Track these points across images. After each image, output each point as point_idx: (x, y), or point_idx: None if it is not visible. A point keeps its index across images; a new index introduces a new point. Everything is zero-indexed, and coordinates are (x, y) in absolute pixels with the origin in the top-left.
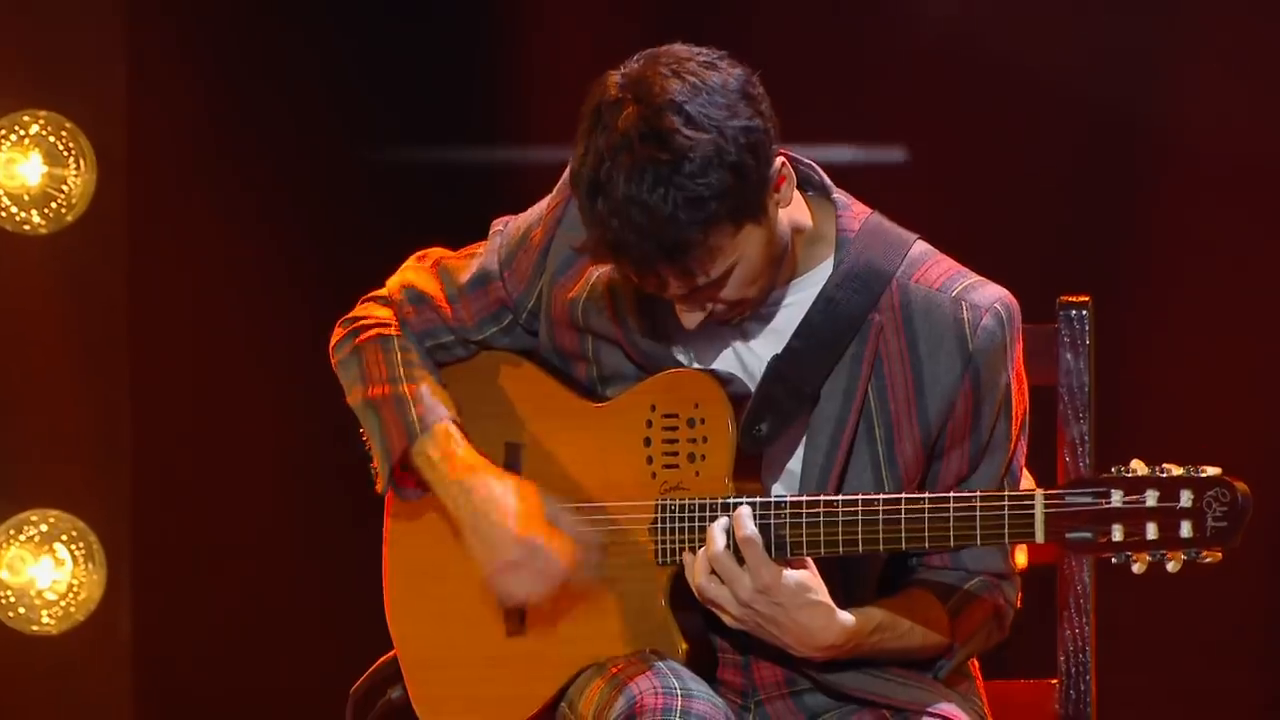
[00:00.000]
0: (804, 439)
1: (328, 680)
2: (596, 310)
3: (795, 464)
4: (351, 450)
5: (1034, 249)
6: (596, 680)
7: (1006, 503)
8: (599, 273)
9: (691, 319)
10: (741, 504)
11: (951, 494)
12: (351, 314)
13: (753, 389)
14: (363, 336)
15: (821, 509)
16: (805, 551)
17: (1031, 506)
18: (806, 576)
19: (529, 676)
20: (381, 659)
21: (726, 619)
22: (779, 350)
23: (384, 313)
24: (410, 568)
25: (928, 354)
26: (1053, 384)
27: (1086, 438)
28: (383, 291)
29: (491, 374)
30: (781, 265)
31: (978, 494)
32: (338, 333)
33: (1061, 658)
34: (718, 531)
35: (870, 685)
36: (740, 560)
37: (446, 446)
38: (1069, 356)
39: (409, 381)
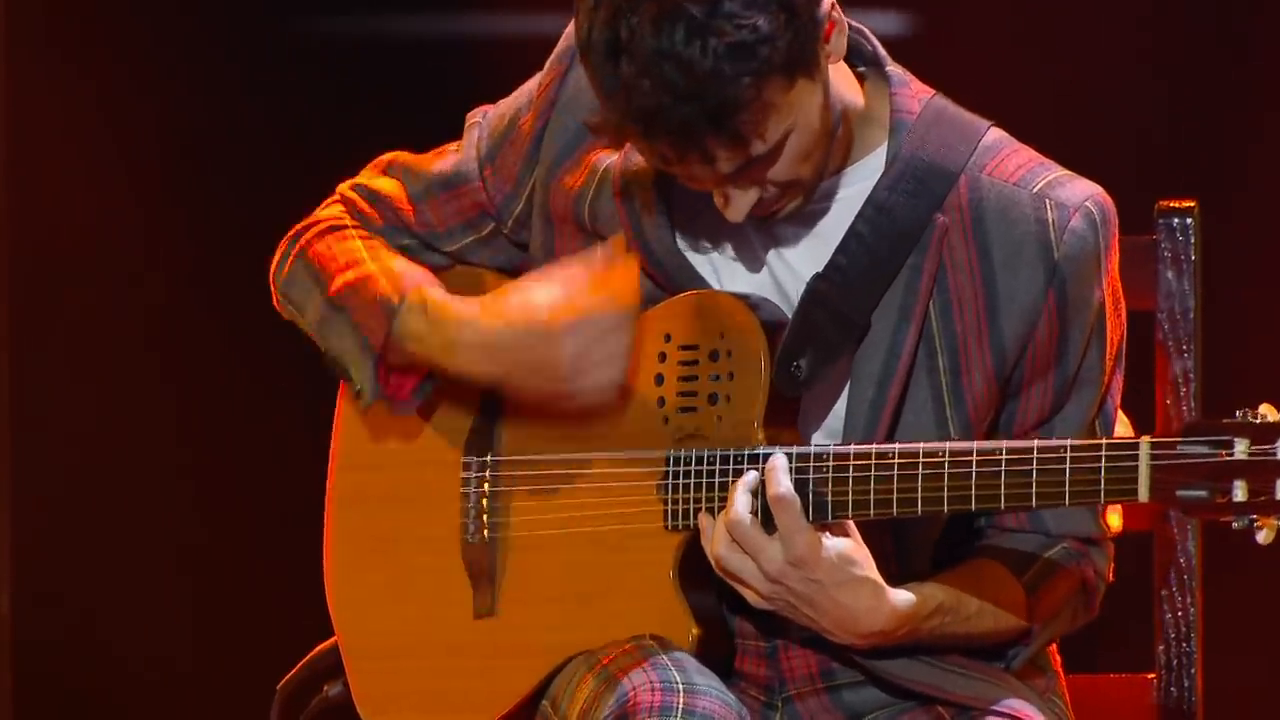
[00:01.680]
0: (851, 379)
1: (250, 672)
2: (606, 211)
3: (842, 408)
4: (265, 414)
5: (1127, 144)
6: (585, 674)
7: (1104, 454)
8: (608, 160)
9: (740, 205)
10: (776, 454)
11: (1035, 443)
12: (292, 230)
13: (789, 316)
14: (309, 235)
15: (873, 460)
16: (851, 514)
17: (1135, 458)
18: (850, 546)
19: (501, 669)
20: (318, 648)
21: (750, 597)
22: (821, 266)
23: (334, 210)
24: (358, 534)
25: (1003, 263)
26: (1150, 309)
27: (1192, 375)
28: (329, 199)
29: (469, 295)
30: (834, 142)
31: (1068, 444)
32: (278, 253)
33: (1160, 647)
34: (742, 491)
35: (924, 675)
36: (769, 525)
37: (441, 309)
38: (1170, 275)
39: (375, 260)
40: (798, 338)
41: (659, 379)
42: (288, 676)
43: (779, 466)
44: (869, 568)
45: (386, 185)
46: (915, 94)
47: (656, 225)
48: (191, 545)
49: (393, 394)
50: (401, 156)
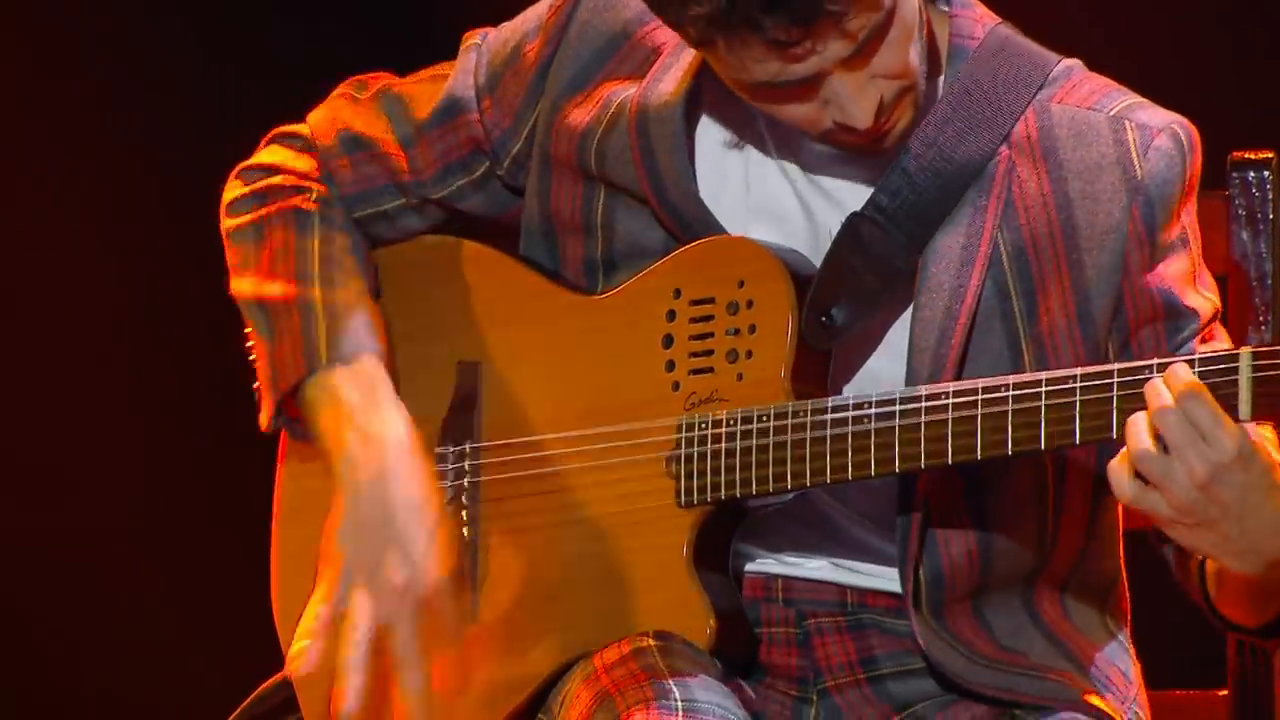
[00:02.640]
0: (893, 329)
1: (193, 712)
2: (617, 148)
3: (881, 362)
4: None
5: (1194, 89)
6: (580, 687)
7: (1197, 370)
8: (624, 94)
9: (864, 105)
10: (1175, 363)
11: (1115, 366)
12: (258, 159)
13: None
14: (273, 206)
15: (950, 399)
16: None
17: (1235, 371)
18: (1265, 448)
19: (487, 681)
20: (266, 684)
21: (1165, 514)
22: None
23: (305, 164)
24: (309, 547)
25: (1081, 192)
26: (1221, 273)
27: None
28: (303, 128)
29: (436, 267)
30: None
31: (1154, 363)
32: (236, 187)
33: (1234, 661)
34: (1137, 427)
35: (990, 679)
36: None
37: (357, 390)
38: (1244, 236)
39: (324, 284)
40: (830, 284)
41: (667, 340)
42: (234, 715)
43: (1178, 369)
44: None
45: (372, 125)
46: (979, 19)
47: (676, 168)
48: (135, 563)
49: (295, 418)
50: (391, 84)
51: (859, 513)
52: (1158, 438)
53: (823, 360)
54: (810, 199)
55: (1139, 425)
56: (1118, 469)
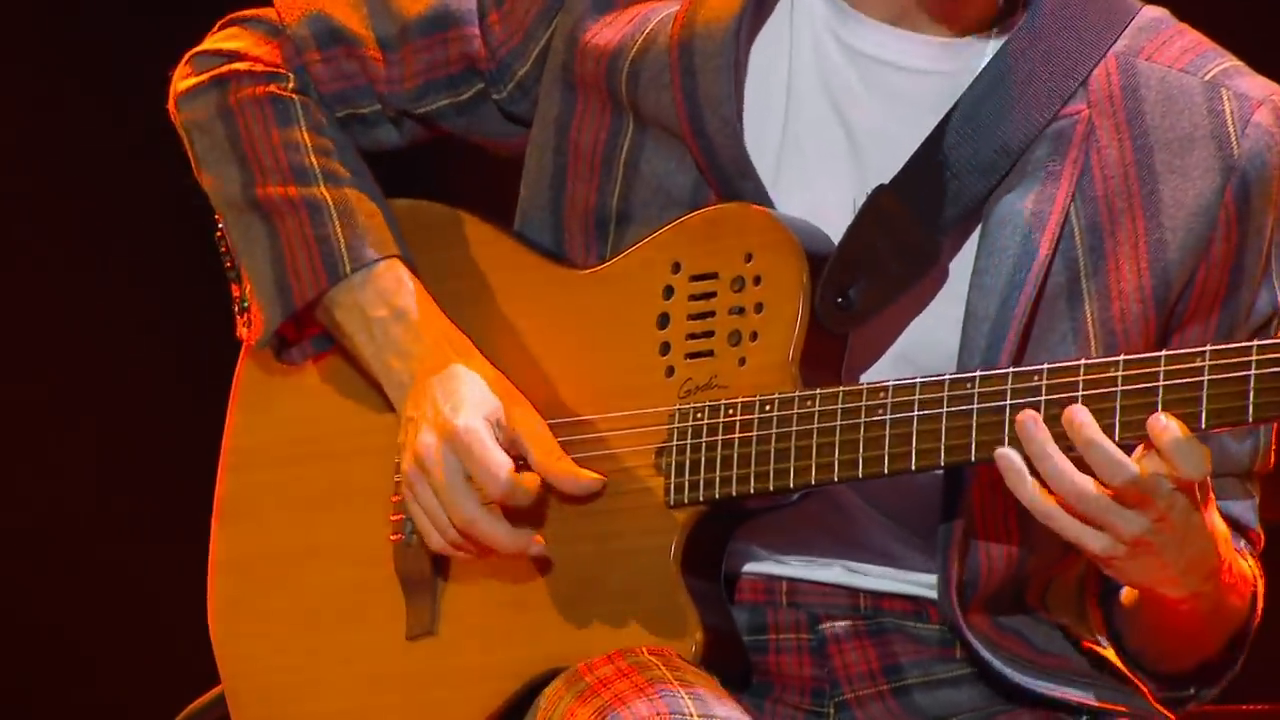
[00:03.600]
0: (919, 322)
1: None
2: (654, 70)
3: (908, 346)
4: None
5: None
6: (574, 703)
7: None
8: (665, 10)
9: None
10: (1074, 410)
11: (1208, 348)
12: (213, 44)
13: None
14: (241, 92)
15: (1009, 385)
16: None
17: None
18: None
19: (442, 702)
20: (196, 702)
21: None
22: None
23: (270, 52)
24: (250, 551)
25: (1168, 166)
26: None
27: None
28: (268, 11)
29: (409, 236)
30: None
31: (1254, 344)
32: (188, 75)
33: None
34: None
35: (1043, 681)
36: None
37: (397, 299)
38: None
39: (329, 181)
40: (848, 261)
41: (663, 320)
42: None
43: (1079, 418)
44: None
45: (349, 16)
46: None
47: (719, 93)
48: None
49: (283, 334)
50: None
51: (886, 513)
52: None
53: (837, 346)
54: (860, 154)
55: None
56: (1043, 502)
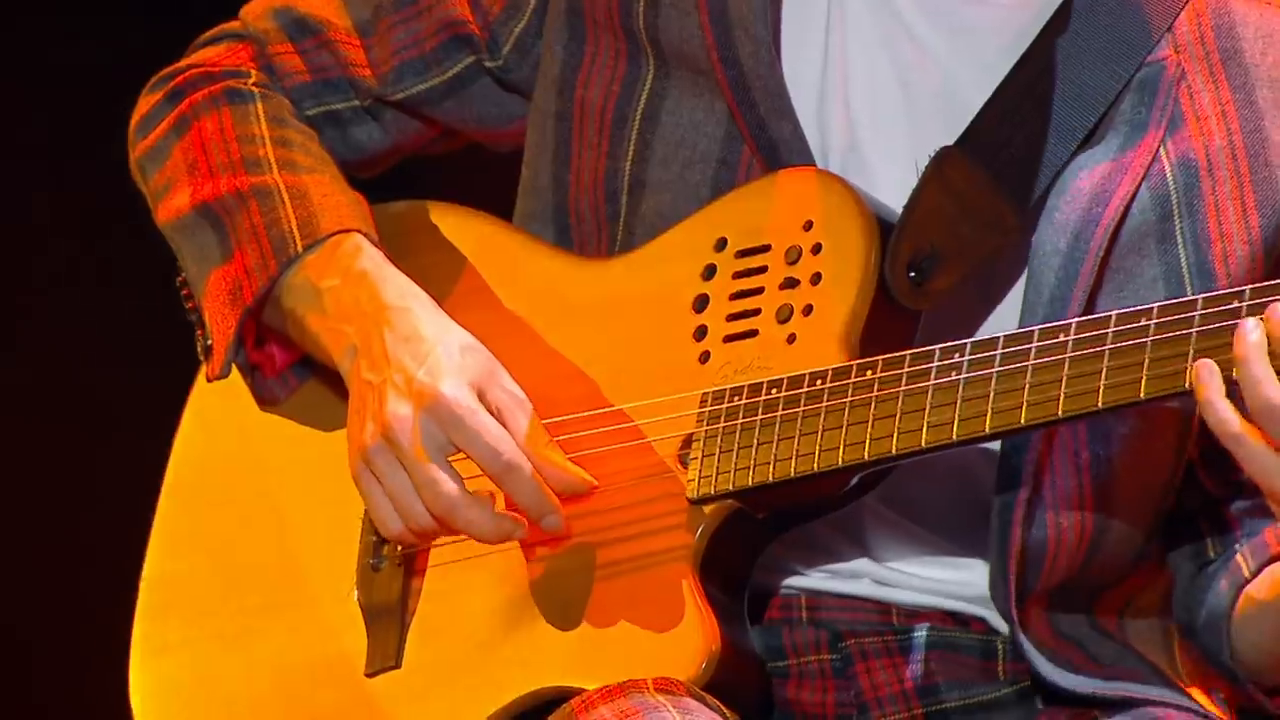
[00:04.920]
0: (1005, 296)
1: None
2: (677, 3)
3: (987, 324)
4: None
5: None
6: None
7: None
8: None
9: None
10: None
11: None
12: (175, 65)
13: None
14: (197, 95)
15: (1071, 335)
16: None
17: None
18: None
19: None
20: None
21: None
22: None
23: (230, 54)
24: (180, 586)
25: (1273, 102)
26: None
27: None
28: (233, 23)
29: (416, 237)
30: None
31: None
32: (146, 103)
33: None
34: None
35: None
36: None
37: (353, 264)
38: None
39: (285, 167)
40: (917, 228)
41: (700, 303)
42: None
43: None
44: None
45: (321, 6)
46: None
47: (755, 37)
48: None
49: (259, 363)
50: None
51: (921, 520)
52: None
53: (907, 326)
54: (914, 98)
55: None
56: (1234, 422)
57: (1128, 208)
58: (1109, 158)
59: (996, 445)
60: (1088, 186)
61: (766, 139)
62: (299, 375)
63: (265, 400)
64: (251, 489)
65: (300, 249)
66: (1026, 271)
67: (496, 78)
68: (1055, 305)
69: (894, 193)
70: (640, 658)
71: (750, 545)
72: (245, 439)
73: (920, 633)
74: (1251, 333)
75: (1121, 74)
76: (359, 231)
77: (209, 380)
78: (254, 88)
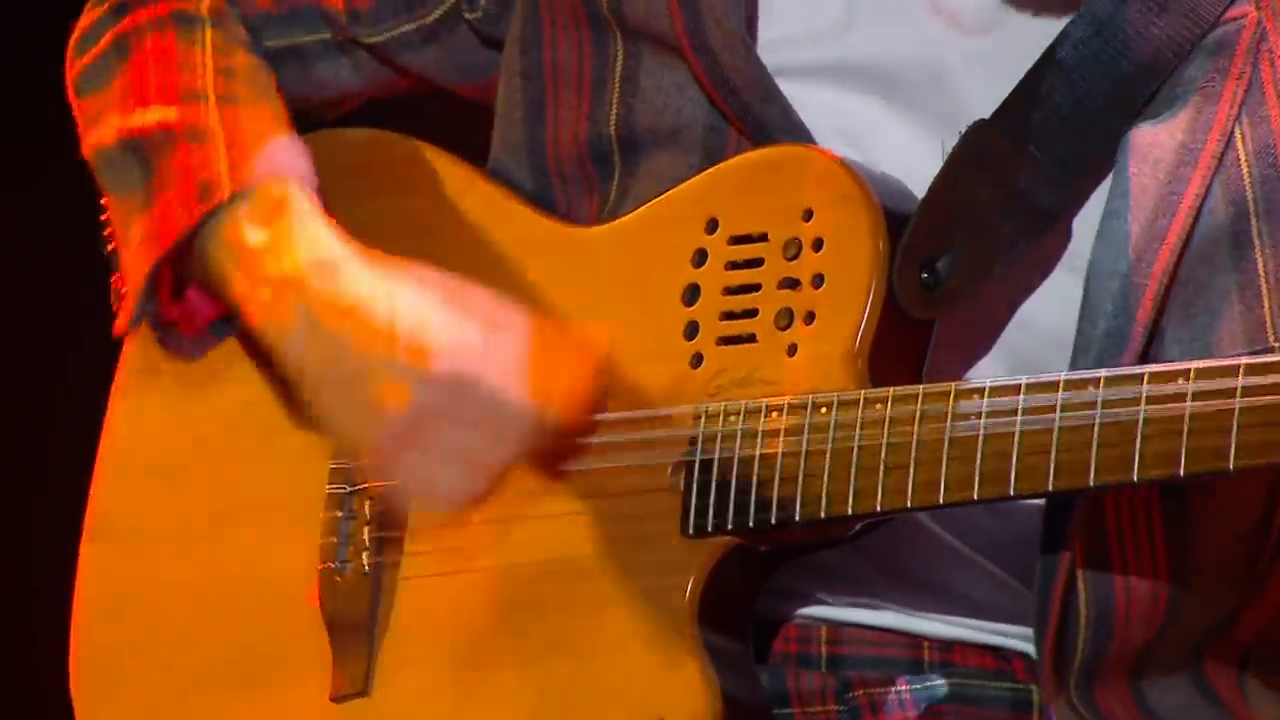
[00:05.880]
0: (1035, 300)
1: None
2: None
3: (1017, 335)
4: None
5: None
6: None
7: None
8: None
9: None
10: None
11: None
12: None
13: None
14: (140, 14)
15: (1189, 383)
16: None
17: None
18: None
19: None
20: None
21: None
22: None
23: None
24: (130, 577)
25: None
26: None
27: None
28: None
29: (374, 175)
30: None
31: None
32: (88, 17)
33: None
34: None
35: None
36: None
37: (284, 222)
38: None
39: (223, 100)
40: (936, 222)
41: (691, 293)
42: None
43: None
44: None
45: None
46: None
47: (727, 30)
48: None
49: (176, 319)
50: None
51: (967, 541)
52: None
53: (920, 336)
54: (947, 54)
55: None
56: None
57: (1198, 213)
58: (1174, 140)
59: None
60: (1151, 184)
61: (754, 120)
62: (216, 333)
63: (179, 357)
64: (189, 474)
65: (227, 196)
66: (1082, 294)
67: (475, 29)
68: (1112, 341)
69: (916, 181)
70: (637, 710)
71: (753, 581)
72: (179, 416)
73: (939, 682)
74: None
75: (1191, 29)
76: (293, 179)
77: (117, 332)
78: (206, 13)
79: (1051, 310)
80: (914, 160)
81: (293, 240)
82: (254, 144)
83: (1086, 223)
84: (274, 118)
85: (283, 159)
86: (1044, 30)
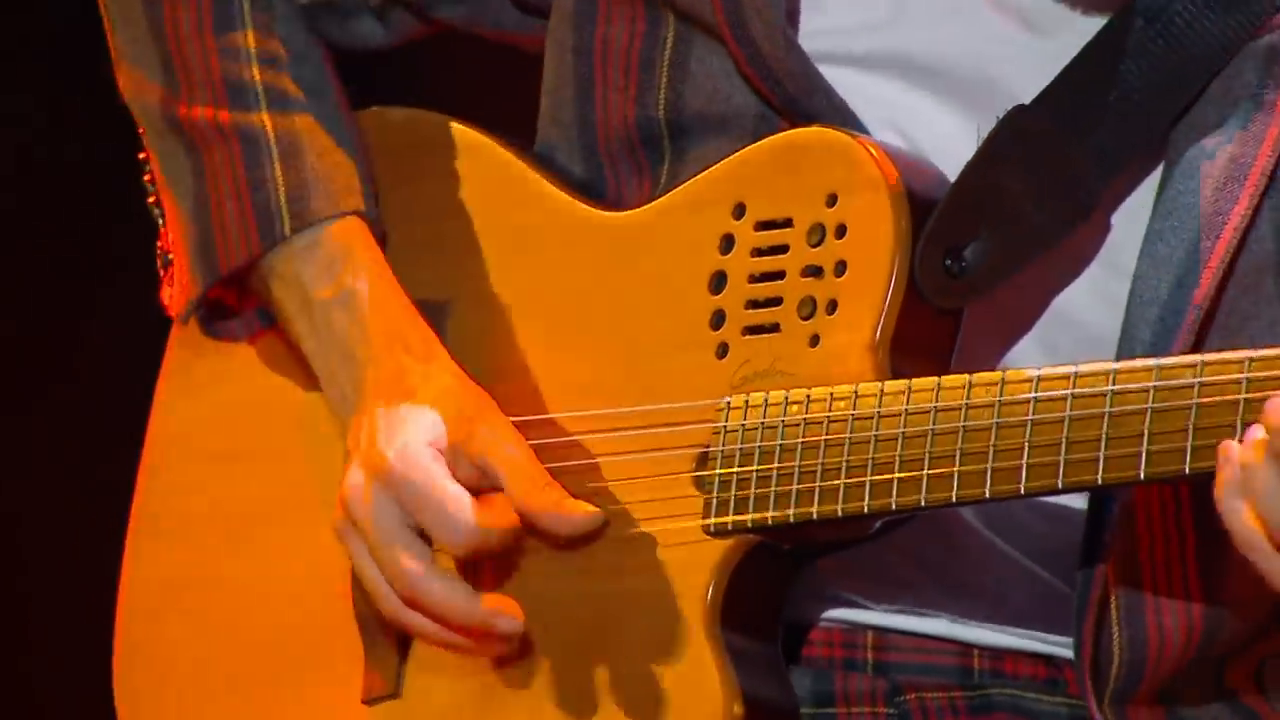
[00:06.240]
0: (1071, 292)
1: None
2: None
3: (1049, 330)
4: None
5: None
6: None
7: None
8: None
9: None
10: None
11: None
12: None
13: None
14: None
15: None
16: None
17: None
18: None
19: None
20: None
21: None
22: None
23: None
24: (172, 570)
25: None
26: None
27: None
28: None
29: (403, 157)
30: None
31: None
32: None
33: None
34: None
35: None
36: None
37: (346, 275)
38: None
39: (273, 105)
40: (965, 208)
41: (717, 281)
42: None
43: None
44: None
45: None
46: None
47: (768, 20)
48: None
49: (219, 298)
50: None
51: (1018, 545)
52: None
53: (944, 327)
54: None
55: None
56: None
57: (1244, 236)
58: (1224, 153)
59: None
60: (1196, 203)
61: (802, 111)
62: (263, 320)
63: (222, 337)
64: (234, 467)
65: (288, 232)
66: (1124, 317)
67: None
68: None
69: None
70: (657, 713)
71: (777, 580)
72: (225, 406)
73: (996, 689)
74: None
75: (1245, 26)
76: (354, 213)
77: (170, 316)
78: None
79: (1090, 307)
80: (964, 152)
81: (359, 316)
82: (312, 166)
83: (1127, 219)
84: (335, 122)
85: (341, 187)
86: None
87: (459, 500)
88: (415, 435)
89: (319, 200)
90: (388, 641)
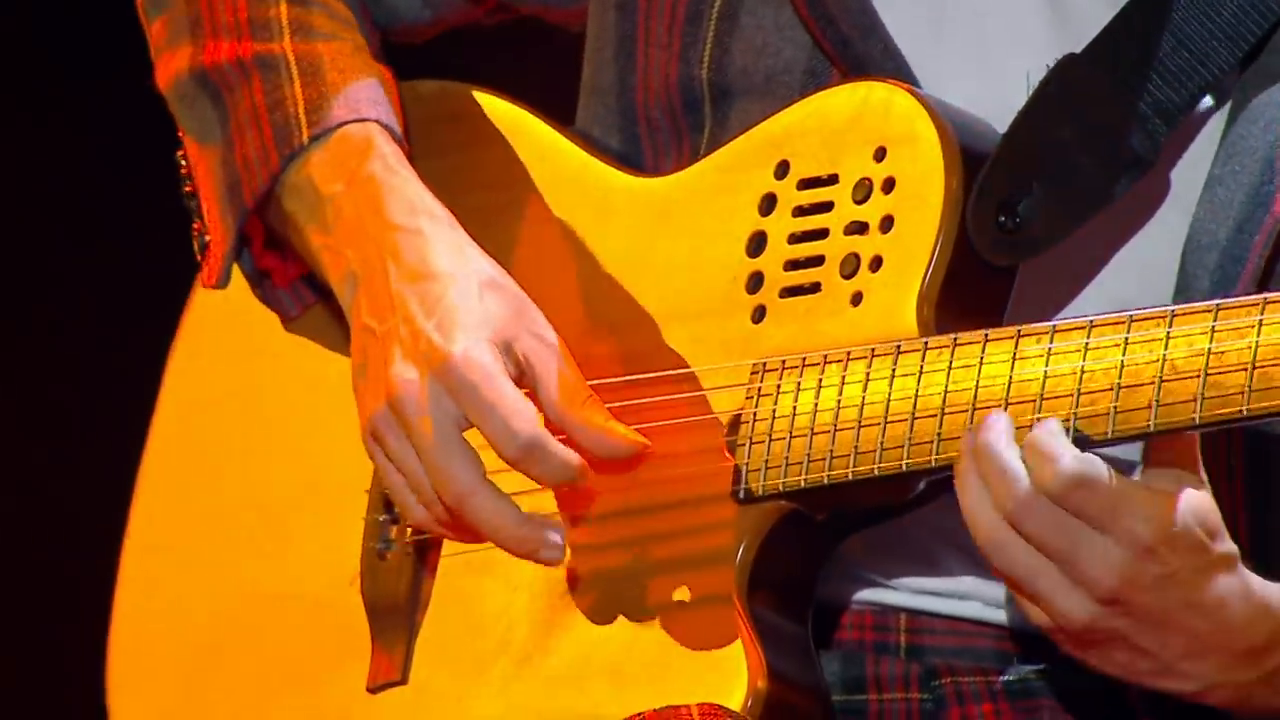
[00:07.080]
0: (1131, 241)
1: None
2: None
3: (1107, 287)
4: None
5: None
6: None
7: None
8: None
9: None
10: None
11: None
12: None
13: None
14: None
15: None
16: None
17: None
18: (1204, 502)
19: None
20: None
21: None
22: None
23: None
24: (171, 544)
25: None
26: None
27: None
28: None
29: (439, 127)
30: None
31: None
32: None
33: None
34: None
35: None
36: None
37: (360, 166)
38: None
39: (298, 32)
40: (1018, 162)
41: (756, 243)
42: None
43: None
44: (1226, 536)
45: None
46: None
47: None
48: None
49: (270, 268)
50: None
51: None
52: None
53: (998, 287)
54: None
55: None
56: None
57: None
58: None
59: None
60: (1260, 151)
61: (853, 56)
62: (314, 289)
63: (276, 314)
64: (244, 446)
65: (306, 140)
66: (1179, 264)
67: None
68: None
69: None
70: (680, 684)
71: (809, 554)
72: (245, 377)
73: (1033, 676)
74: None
75: None
76: (376, 121)
77: (205, 286)
78: None
79: (1147, 262)
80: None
81: (372, 193)
82: (332, 80)
83: (1190, 167)
84: (355, 50)
85: (364, 98)
86: None
87: (521, 410)
88: (473, 328)
89: (339, 109)
90: (396, 625)
